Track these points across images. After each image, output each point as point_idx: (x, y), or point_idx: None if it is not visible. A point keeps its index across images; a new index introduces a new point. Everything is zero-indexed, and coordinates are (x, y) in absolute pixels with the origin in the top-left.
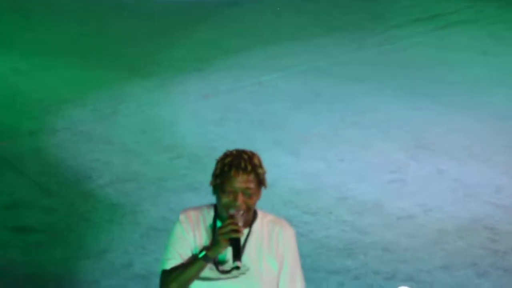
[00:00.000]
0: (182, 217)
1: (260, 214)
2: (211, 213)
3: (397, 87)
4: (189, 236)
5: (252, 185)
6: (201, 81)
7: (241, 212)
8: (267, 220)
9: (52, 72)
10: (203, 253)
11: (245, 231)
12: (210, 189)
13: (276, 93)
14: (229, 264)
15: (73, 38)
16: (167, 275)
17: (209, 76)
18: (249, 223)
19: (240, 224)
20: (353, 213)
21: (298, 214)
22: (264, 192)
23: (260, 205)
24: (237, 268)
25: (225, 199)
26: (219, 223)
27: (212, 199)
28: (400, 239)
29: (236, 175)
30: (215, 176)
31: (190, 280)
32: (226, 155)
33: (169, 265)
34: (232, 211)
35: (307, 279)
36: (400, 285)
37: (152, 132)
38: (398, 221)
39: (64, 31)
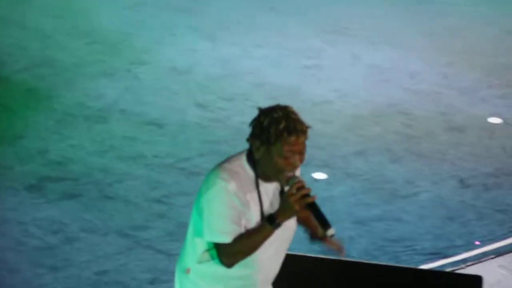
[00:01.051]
0: (230, 186)
1: None
2: (249, 172)
3: None
4: (242, 206)
5: (305, 143)
6: None
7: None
8: None
9: None
10: (275, 221)
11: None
12: (125, 75)
13: None
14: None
15: None
16: (231, 247)
17: None
18: None
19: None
20: (269, 98)
21: (214, 100)
22: (180, 77)
23: (176, 90)
24: (332, 235)
25: (283, 162)
26: (264, 186)
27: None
28: (316, 125)
29: (297, 139)
30: (271, 143)
31: (257, 249)
32: (276, 119)
33: (229, 238)
34: (289, 173)
35: None
36: (315, 171)
37: (68, 18)
38: (314, 107)
39: None
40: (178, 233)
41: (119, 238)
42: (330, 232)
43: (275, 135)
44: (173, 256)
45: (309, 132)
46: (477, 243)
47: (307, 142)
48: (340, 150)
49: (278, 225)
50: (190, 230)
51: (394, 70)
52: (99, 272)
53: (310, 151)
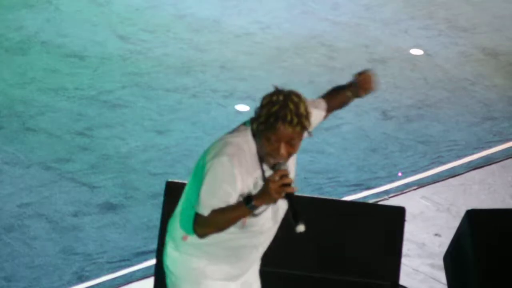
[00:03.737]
0: (234, 161)
1: None
2: (252, 146)
3: None
4: (238, 183)
5: (296, 136)
6: None
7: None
8: None
9: None
10: (251, 203)
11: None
12: (46, 6)
13: None
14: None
15: None
16: (206, 218)
17: None
18: None
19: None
20: (191, 30)
21: (136, 32)
22: (101, 9)
23: (97, 22)
24: (300, 232)
25: (269, 147)
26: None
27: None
28: (238, 57)
29: (282, 128)
30: (260, 122)
31: (230, 226)
32: (273, 101)
33: (209, 212)
34: (274, 160)
35: (146, 97)
36: (238, 103)
37: None
38: (236, 39)
39: None
40: (101, 166)
41: (42, 170)
42: (300, 228)
43: (264, 117)
44: (96, 188)
45: (309, 122)
46: (399, 174)
47: (231, 75)
48: (263, 82)
49: (253, 207)
50: (184, 197)
51: (316, 2)
52: (22, 205)
53: (232, 83)
